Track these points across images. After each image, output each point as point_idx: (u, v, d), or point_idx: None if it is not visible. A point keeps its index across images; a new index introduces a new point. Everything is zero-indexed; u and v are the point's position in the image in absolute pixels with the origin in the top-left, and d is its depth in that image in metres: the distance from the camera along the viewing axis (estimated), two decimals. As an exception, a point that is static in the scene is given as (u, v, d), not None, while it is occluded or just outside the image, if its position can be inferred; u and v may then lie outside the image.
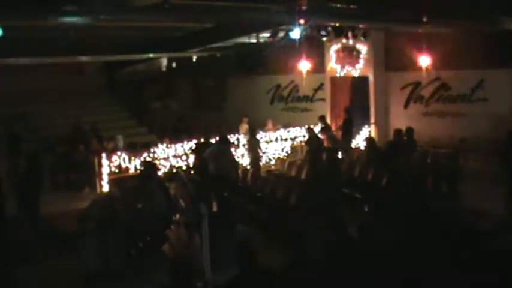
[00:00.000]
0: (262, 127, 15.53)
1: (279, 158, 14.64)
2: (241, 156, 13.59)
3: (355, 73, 15.60)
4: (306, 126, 14.09)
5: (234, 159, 12.00)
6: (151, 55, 16.51)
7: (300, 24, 12.20)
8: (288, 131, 15.09)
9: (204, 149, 11.70)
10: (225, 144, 11.41)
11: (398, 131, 12.41)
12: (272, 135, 14.79)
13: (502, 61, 12.87)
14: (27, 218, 9.39)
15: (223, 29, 12.77)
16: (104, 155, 12.08)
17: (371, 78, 15.48)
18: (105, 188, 11.92)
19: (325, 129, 13.64)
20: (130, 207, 8.47)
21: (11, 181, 10.09)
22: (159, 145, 12.89)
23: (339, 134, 14.42)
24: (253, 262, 4.66)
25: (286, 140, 15.01)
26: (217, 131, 13.21)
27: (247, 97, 18.29)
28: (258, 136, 14.16)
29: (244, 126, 14.88)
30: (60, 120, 16.07)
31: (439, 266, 4.48)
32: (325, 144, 13.12)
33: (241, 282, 4.60)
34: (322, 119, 14.33)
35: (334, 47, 15.66)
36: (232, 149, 12.33)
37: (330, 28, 13.08)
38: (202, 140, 12.77)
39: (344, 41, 14.77)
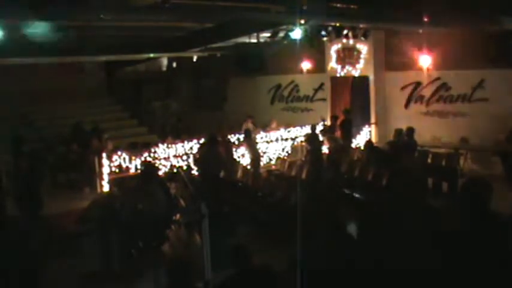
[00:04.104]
0: (263, 127, 15.56)
1: (279, 158, 14.65)
2: (242, 156, 13.60)
3: (356, 73, 15.60)
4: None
5: (223, 158, 11.69)
6: (151, 55, 16.52)
7: (300, 25, 12.22)
8: (289, 131, 15.10)
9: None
10: (214, 145, 11.31)
11: (398, 131, 12.46)
12: (272, 135, 14.81)
13: (502, 61, 12.86)
14: (28, 218, 9.38)
15: (223, 29, 12.76)
16: (104, 155, 12.09)
17: (371, 78, 15.48)
18: (106, 188, 11.93)
19: (326, 130, 13.70)
20: (130, 207, 8.45)
21: (13, 181, 10.08)
22: (160, 145, 12.91)
23: (338, 135, 14.43)
24: (248, 263, 4.67)
25: (286, 140, 15.02)
26: (218, 131, 13.28)
27: (247, 97, 18.30)
28: (258, 136, 14.23)
29: (249, 126, 14.94)
30: (60, 120, 16.08)
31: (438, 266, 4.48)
32: (327, 144, 13.16)
33: (237, 282, 4.61)
34: (332, 118, 14.41)
35: (335, 47, 15.67)
36: (222, 149, 12.05)
37: (330, 28, 13.08)
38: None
39: (344, 41, 14.78)
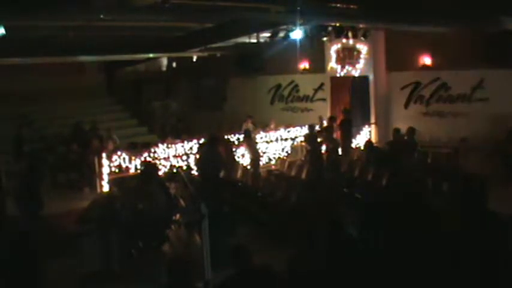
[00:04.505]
0: (263, 127, 15.57)
1: (279, 158, 14.66)
2: (242, 156, 13.61)
3: (355, 73, 15.60)
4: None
5: (223, 158, 11.75)
6: (151, 55, 16.52)
7: (300, 25, 12.22)
8: (288, 131, 15.11)
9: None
10: (214, 145, 11.32)
11: (396, 131, 12.48)
12: (272, 135, 14.82)
13: (502, 61, 12.85)
14: (28, 218, 9.38)
15: (223, 29, 12.77)
16: (104, 155, 12.09)
17: (371, 78, 15.48)
18: (105, 188, 11.93)
19: (323, 130, 13.74)
20: (130, 207, 8.46)
21: (14, 181, 10.08)
22: (159, 145, 12.92)
23: (337, 135, 14.43)
24: (248, 263, 4.68)
25: (286, 140, 15.03)
26: (218, 131, 13.31)
27: (247, 97, 18.31)
28: (258, 136, 14.23)
29: (249, 126, 14.96)
30: (60, 120, 16.09)
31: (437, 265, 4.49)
32: (325, 145, 13.18)
33: (237, 282, 4.61)
34: (329, 119, 14.42)
35: (334, 47, 15.66)
36: (222, 149, 11.99)
37: (330, 28, 13.07)
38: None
39: (344, 41, 14.76)
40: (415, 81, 15.11)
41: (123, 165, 12.18)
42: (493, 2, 10.41)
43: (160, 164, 12.31)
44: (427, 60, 14.65)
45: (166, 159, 12.79)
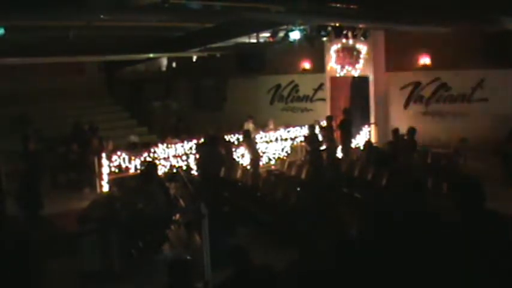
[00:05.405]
0: (263, 127, 15.57)
1: (279, 158, 14.65)
2: (242, 156, 13.60)
3: (355, 73, 15.60)
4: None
5: (223, 158, 11.71)
6: (151, 55, 16.52)
7: (300, 25, 12.22)
8: (288, 131, 15.11)
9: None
10: (214, 145, 11.34)
11: (396, 130, 12.48)
12: (272, 135, 14.81)
13: (502, 61, 12.86)
14: (28, 218, 9.39)
15: (223, 29, 12.77)
16: (104, 155, 12.10)
17: (371, 78, 15.48)
18: (105, 188, 11.93)
19: (325, 129, 13.75)
20: (130, 207, 8.46)
21: (14, 181, 10.08)
22: (159, 145, 12.92)
23: (337, 135, 14.42)
24: (248, 263, 4.68)
25: (286, 140, 15.03)
26: (218, 131, 13.33)
27: (247, 97, 18.32)
28: (258, 136, 14.23)
29: (250, 126, 14.96)
30: (60, 120, 16.08)
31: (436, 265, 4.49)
32: (324, 144, 13.20)
33: (236, 282, 4.61)
34: (327, 119, 14.42)
35: (334, 47, 15.67)
36: (222, 149, 12.00)
37: (330, 28, 13.08)
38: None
39: (344, 41, 14.76)
40: (415, 81, 15.11)
41: (123, 165, 12.18)
42: (493, 2, 10.40)
43: (160, 164, 12.32)
44: (426, 60, 14.65)
45: (166, 159, 12.80)
